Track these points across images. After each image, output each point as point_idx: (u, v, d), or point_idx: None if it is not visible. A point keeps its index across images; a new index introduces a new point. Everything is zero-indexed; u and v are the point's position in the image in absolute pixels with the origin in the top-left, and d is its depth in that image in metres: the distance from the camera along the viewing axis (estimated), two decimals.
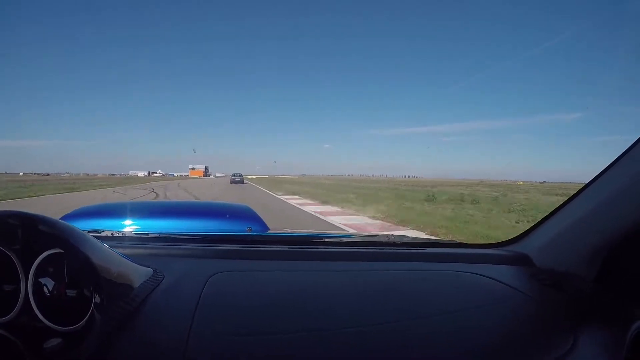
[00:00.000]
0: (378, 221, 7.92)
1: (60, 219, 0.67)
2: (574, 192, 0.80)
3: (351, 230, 6.16)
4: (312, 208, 10.48)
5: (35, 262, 0.51)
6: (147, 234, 1.01)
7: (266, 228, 1.40)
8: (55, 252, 0.52)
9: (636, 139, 0.66)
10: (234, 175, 34.57)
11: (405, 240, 1.06)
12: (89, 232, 0.82)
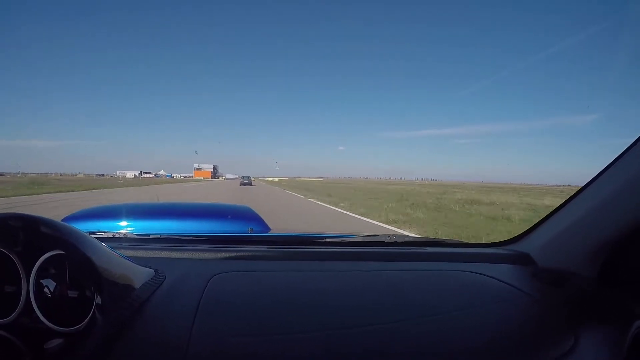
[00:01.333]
0: None
1: (62, 220, 0.67)
2: None
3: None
4: None
5: (37, 263, 0.51)
6: (149, 235, 1.01)
7: (267, 229, 1.40)
8: (56, 254, 0.52)
9: (635, 139, 0.66)
10: (242, 177, 38.49)
11: (406, 239, 1.06)
12: (90, 233, 0.82)
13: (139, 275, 0.63)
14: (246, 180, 35.98)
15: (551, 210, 0.87)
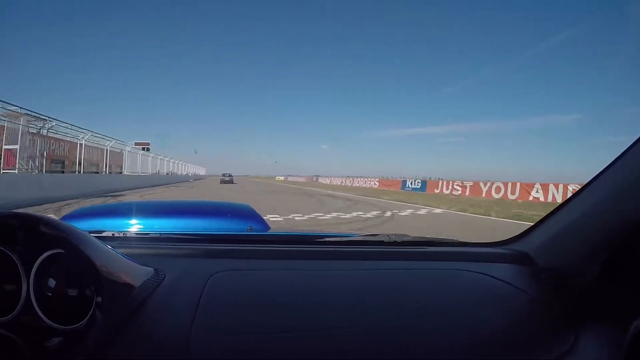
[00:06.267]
0: None
1: (61, 219, 0.68)
2: None
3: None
4: None
5: (37, 262, 0.52)
6: (148, 234, 1.01)
7: (267, 227, 1.40)
8: (56, 252, 0.52)
9: (637, 138, 0.66)
10: (223, 175, 36.50)
11: (406, 239, 1.06)
12: (90, 232, 0.82)
13: (138, 274, 0.63)
14: (227, 178, 34.86)
15: (552, 210, 0.87)
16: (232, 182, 33.76)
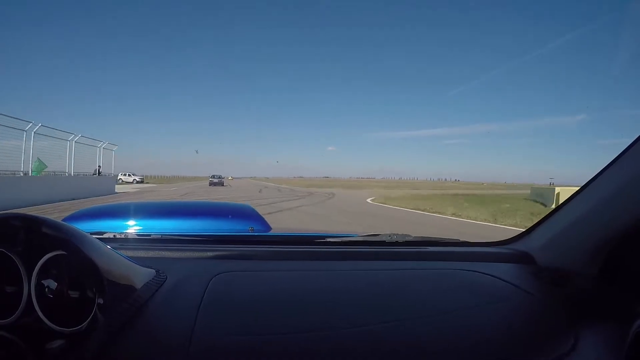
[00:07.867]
0: None
1: (63, 220, 0.67)
2: None
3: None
4: None
5: (38, 264, 0.51)
6: (150, 235, 1.01)
7: (268, 228, 1.40)
8: (58, 254, 0.52)
9: (635, 138, 0.66)
10: (212, 177, 34.98)
11: (407, 239, 1.06)
12: (92, 233, 0.82)
13: (140, 276, 0.63)
14: (216, 180, 33.25)
15: (552, 209, 0.87)
16: (222, 185, 32.43)
